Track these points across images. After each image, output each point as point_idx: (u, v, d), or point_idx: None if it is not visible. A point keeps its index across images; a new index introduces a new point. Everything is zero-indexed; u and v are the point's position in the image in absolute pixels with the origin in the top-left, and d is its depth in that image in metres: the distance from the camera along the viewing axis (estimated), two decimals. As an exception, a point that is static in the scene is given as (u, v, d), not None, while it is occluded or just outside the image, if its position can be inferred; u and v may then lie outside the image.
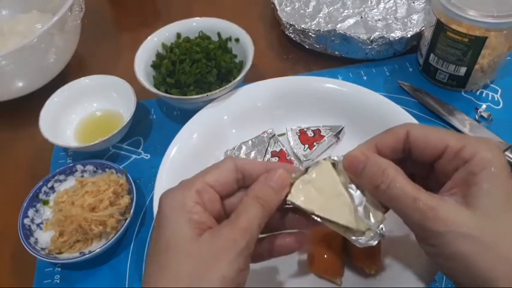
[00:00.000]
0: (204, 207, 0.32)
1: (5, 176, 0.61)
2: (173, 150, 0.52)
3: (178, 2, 0.84)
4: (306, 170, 0.35)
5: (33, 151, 0.62)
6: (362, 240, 0.34)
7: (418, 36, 0.65)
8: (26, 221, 0.50)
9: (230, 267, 0.29)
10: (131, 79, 0.59)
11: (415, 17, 0.66)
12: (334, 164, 0.35)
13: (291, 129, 0.57)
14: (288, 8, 0.71)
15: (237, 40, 0.63)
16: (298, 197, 0.34)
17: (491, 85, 0.63)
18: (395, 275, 0.41)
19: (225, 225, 0.31)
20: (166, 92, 0.59)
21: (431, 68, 0.62)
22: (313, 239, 0.43)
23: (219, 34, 0.64)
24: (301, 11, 0.70)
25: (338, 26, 0.65)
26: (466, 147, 0.31)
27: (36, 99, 0.62)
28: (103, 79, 0.63)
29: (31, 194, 0.52)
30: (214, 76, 0.59)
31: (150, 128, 0.63)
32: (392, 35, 0.64)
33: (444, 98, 0.61)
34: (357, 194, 0.34)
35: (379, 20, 0.66)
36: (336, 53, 0.67)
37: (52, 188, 0.53)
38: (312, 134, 0.56)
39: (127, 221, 0.49)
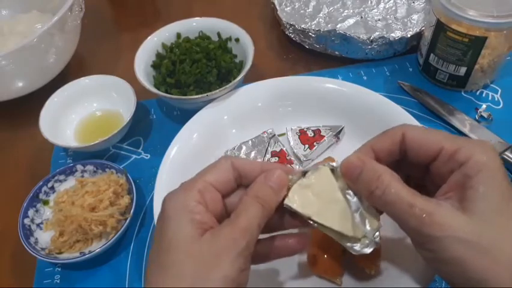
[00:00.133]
0: (206, 207, 0.32)
1: (5, 176, 0.61)
2: (173, 150, 0.52)
3: (178, 2, 0.84)
4: (304, 173, 0.35)
5: (33, 151, 0.62)
6: (356, 247, 0.34)
7: (418, 36, 0.65)
8: (26, 221, 0.50)
9: (231, 267, 0.29)
10: (131, 79, 0.59)
11: (415, 17, 0.66)
12: (333, 170, 0.35)
13: (291, 129, 0.57)
14: (288, 8, 0.71)
15: (237, 40, 0.63)
16: (296, 201, 0.34)
17: (491, 85, 0.63)
18: (395, 275, 0.41)
19: (226, 225, 0.31)
20: (166, 92, 0.59)
21: (431, 68, 0.62)
22: (314, 239, 0.42)
23: (219, 34, 0.64)
24: (301, 11, 0.70)
25: (338, 26, 0.65)
26: (461, 150, 0.31)
27: (36, 99, 0.62)
28: (103, 79, 0.63)
29: (31, 194, 0.52)
30: (214, 76, 0.59)
31: (150, 128, 0.63)
32: (392, 35, 0.64)
33: (444, 98, 0.61)
34: (354, 200, 0.34)
35: (379, 20, 0.66)
36: (336, 53, 0.67)
37: (52, 188, 0.53)
38: (312, 134, 0.56)
39: (127, 221, 0.49)
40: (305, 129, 0.56)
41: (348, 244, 0.34)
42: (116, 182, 0.51)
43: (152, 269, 0.30)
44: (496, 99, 0.61)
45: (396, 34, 0.64)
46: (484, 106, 0.60)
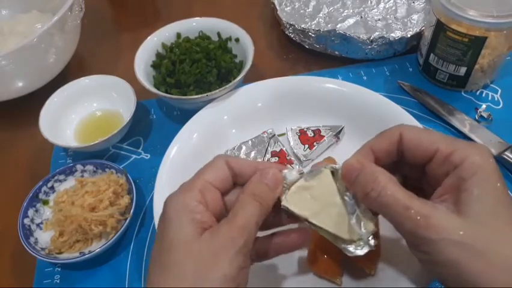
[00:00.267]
0: (207, 206, 0.32)
1: (5, 176, 0.61)
2: (173, 150, 0.52)
3: (178, 2, 0.84)
4: (301, 173, 0.35)
5: (33, 151, 0.62)
6: (351, 249, 0.34)
7: (418, 36, 0.65)
8: (26, 221, 0.50)
9: (230, 266, 0.29)
10: (131, 79, 0.59)
11: (415, 17, 0.66)
12: (333, 172, 0.35)
13: (291, 129, 0.57)
14: (288, 8, 0.71)
15: (237, 40, 0.63)
16: (293, 203, 0.34)
17: (491, 85, 0.63)
18: (395, 275, 0.41)
19: (224, 224, 0.31)
20: (166, 92, 0.59)
21: (431, 68, 0.62)
22: (314, 239, 0.42)
23: (219, 34, 0.64)
24: (301, 11, 0.70)
25: (338, 26, 0.65)
26: (456, 152, 0.31)
27: (36, 99, 0.62)
28: (103, 79, 0.63)
29: (31, 194, 0.52)
30: (214, 76, 0.59)
31: (150, 128, 0.63)
32: (392, 35, 0.64)
33: (444, 98, 0.61)
34: (351, 202, 0.35)
35: (379, 20, 0.66)
36: (336, 53, 0.67)
37: (52, 188, 0.53)
38: (312, 134, 0.56)
39: (127, 221, 0.49)
40: (305, 129, 0.56)
41: (343, 245, 0.34)
42: (116, 182, 0.51)
43: (154, 269, 0.30)
44: (496, 99, 0.61)
45: (396, 34, 0.64)
46: (483, 106, 0.60)
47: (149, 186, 0.55)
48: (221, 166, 0.34)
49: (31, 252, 0.47)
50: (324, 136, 0.55)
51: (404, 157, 0.34)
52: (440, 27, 0.57)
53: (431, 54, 0.61)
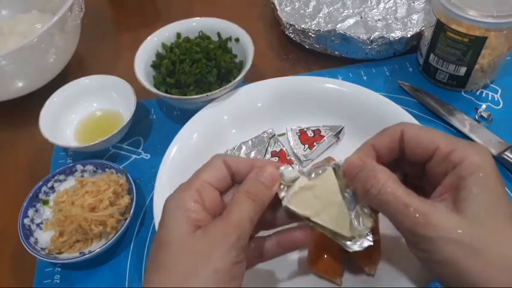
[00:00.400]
0: (204, 206, 0.32)
1: (5, 176, 0.61)
2: (173, 150, 0.52)
3: (178, 2, 0.84)
4: (301, 173, 0.35)
5: (33, 151, 0.62)
6: (350, 244, 0.34)
7: (418, 36, 0.65)
8: (26, 221, 0.50)
9: (222, 260, 0.29)
10: (131, 79, 0.59)
11: (415, 17, 0.66)
12: (335, 169, 0.35)
13: (291, 129, 0.57)
14: (288, 8, 0.71)
15: (237, 40, 0.63)
16: (295, 203, 0.34)
17: (491, 85, 0.63)
18: (395, 275, 0.41)
19: (217, 221, 0.31)
20: (166, 92, 0.59)
21: (431, 68, 0.62)
22: (314, 239, 0.42)
23: (219, 34, 0.64)
24: (301, 11, 0.70)
25: (338, 26, 0.65)
26: (456, 151, 0.31)
27: (36, 99, 0.62)
28: (103, 79, 0.63)
29: (31, 194, 0.52)
30: (214, 76, 0.59)
31: (150, 128, 0.63)
32: (392, 35, 0.64)
33: (444, 98, 0.61)
34: (351, 198, 0.35)
35: (379, 20, 0.66)
36: (336, 53, 0.67)
37: (52, 188, 0.53)
38: (312, 134, 0.56)
39: (127, 221, 0.49)
40: (305, 129, 0.56)
41: (343, 242, 0.35)
42: (116, 182, 0.51)
43: (149, 268, 0.31)
44: (496, 99, 0.61)
45: (396, 34, 0.64)
46: (483, 106, 0.60)
47: (149, 186, 0.55)
48: (218, 165, 0.34)
49: (31, 252, 0.47)
50: (324, 136, 0.55)
51: (404, 155, 0.34)
52: (440, 27, 0.57)
53: (431, 54, 0.61)
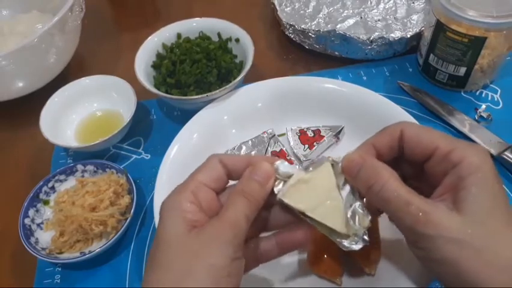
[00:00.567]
0: (200, 206, 0.32)
1: (5, 176, 0.61)
2: (173, 150, 0.52)
3: (178, 2, 0.84)
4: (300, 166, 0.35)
5: (34, 151, 0.62)
6: (346, 243, 0.34)
7: (418, 36, 0.65)
8: (27, 220, 0.50)
9: (218, 257, 0.29)
10: (132, 79, 0.59)
11: (415, 17, 0.66)
12: (333, 165, 0.35)
13: (291, 129, 0.57)
14: (288, 9, 0.71)
15: (237, 40, 0.63)
16: (290, 196, 0.34)
17: (491, 85, 0.63)
18: (395, 275, 0.41)
19: (214, 220, 0.31)
20: (167, 92, 0.59)
21: (430, 68, 0.62)
22: (313, 239, 0.43)
23: (219, 34, 0.64)
24: (301, 12, 0.70)
25: (338, 26, 0.66)
26: (455, 151, 0.31)
27: (36, 99, 0.62)
28: (103, 79, 0.63)
29: (32, 194, 0.52)
30: (214, 76, 0.59)
31: (150, 128, 0.63)
32: (392, 35, 0.64)
33: (444, 98, 0.61)
34: (349, 197, 0.35)
35: (379, 20, 0.66)
36: (336, 53, 0.67)
37: (53, 188, 0.53)
38: (312, 134, 0.56)
39: (128, 221, 0.49)
40: (305, 129, 0.56)
41: (338, 239, 0.34)
42: (117, 182, 0.51)
43: (148, 267, 0.31)
44: (496, 99, 0.62)
45: (396, 34, 0.64)
46: (483, 106, 0.60)
47: (150, 186, 0.55)
48: (214, 165, 0.34)
49: (32, 252, 0.47)
50: (324, 136, 0.55)
51: (403, 154, 0.34)
52: (439, 28, 0.57)
53: (431, 55, 0.61)
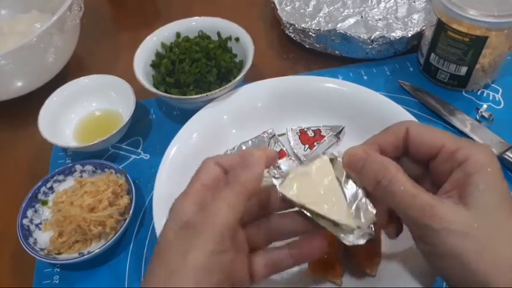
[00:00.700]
0: (200, 207, 0.32)
1: (4, 176, 0.60)
2: (172, 150, 0.52)
3: (178, 1, 0.84)
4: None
5: (33, 151, 0.62)
6: (350, 238, 0.34)
7: (419, 35, 0.64)
8: (25, 221, 0.50)
9: (201, 250, 0.29)
10: (131, 79, 0.59)
11: (416, 16, 0.66)
12: (332, 160, 0.35)
13: (291, 129, 0.56)
14: (288, 8, 0.71)
15: (237, 39, 0.63)
16: (291, 189, 0.34)
17: (492, 85, 0.63)
18: (396, 276, 0.41)
19: (196, 215, 0.31)
20: (166, 91, 0.59)
21: (431, 68, 0.62)
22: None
23: (218, 33, 0.64)
24: (302, 11, 0.70)
25: (338, 25, 0.65)
26: (461, 149, 0.31)
27: (35, 98, 0.62)
28: (102, 79, 0.62)
29: (30, 194, 0.51)
30: (214, 76, 0.59)
31: (149, 127, 0.63)
32: (393, 34, 0.64)
33: (445, 98, 0.60)
34: (351, 191, 0.34)
35: (380, 19, 0.66)
36: (337, 52, 0.67)
37: (51, 188, 0.53)
38: (313, 134, 0.55)
39: (126, 222, 0.49)
40: (305, 129, 0.56)
41: (342, 235, 0.34)
42: (116, 182, 0.51)
43: (147, 270, 0.32)
44: (497, 99, 0.61)
45: (397, 34, 0.64)
46: (484, 106, 0.59)
47: (149, 187, 0.55)
48: (211, 168, 0.34)
49: (30, 253, 0.47)
50: (324, 136, 0.55)
51: (408, 153, 0.35)
52: (440, 27, 0.57)
53: (432, 54, 0.60)
